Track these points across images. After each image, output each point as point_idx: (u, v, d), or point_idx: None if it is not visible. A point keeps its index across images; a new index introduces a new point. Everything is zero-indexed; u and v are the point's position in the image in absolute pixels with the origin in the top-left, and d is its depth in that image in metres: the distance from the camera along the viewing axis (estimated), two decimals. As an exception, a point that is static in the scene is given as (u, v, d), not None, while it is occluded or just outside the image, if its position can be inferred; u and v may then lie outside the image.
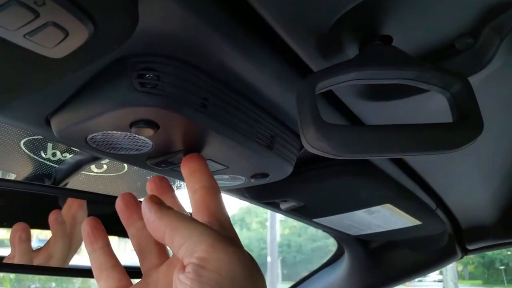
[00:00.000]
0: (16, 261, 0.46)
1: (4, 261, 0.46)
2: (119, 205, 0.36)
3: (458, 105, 0.29)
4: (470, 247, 0.76)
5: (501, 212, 0.76)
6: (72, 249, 0.51)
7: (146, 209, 0.31)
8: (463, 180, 0.60)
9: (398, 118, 0.40)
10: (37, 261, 0.48)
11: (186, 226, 0.29)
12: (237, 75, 0.32)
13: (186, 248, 0.28)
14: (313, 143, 0.27)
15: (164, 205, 0.32)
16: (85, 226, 0.36)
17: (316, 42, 0.30)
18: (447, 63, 0.32)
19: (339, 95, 0.39)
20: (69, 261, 0.49)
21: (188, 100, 0.29)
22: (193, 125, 0.31)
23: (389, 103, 0.38)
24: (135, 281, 0.38)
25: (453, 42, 0.31)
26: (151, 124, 0.30)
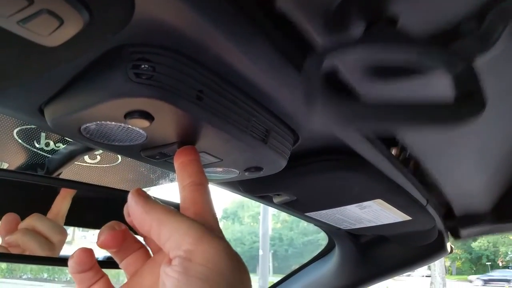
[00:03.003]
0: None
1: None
2: (107, 241, 0.34)
3: (461, 85, 0.28)
4: (462, 233, 0.76)
5: (494, 199, 0.76)
6: (56, 246, 0.51)
7: (133, 203, 0.32)
8: (458, 167, 0.59)
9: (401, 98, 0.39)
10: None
11: (173, 220, 0.29)
12: (233, 68, 0.32)
13: (173, 241, 0.28)
14: (318, 117, 0.27)
15: (151, 198, 0.32)
16: (79, 264, 0.33)
17: (322, 20, 0.29)
18: (451, 45, 0.32)
19: (343, 73, 0.38)
20: (58, 253, 0.49)
21: (184, 92, 0.29)
22: (188, 117, 0.31)
23: (392, 84, 0.38)
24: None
25: (458, 25, 0.31)
26: (146, 115, 0.30)
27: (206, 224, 0.31)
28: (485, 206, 0.78)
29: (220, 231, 0.31)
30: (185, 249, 0.27)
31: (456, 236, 0.76)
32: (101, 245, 0.33)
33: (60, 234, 0.51)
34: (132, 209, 0.31)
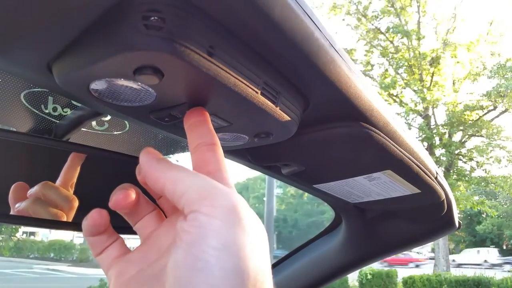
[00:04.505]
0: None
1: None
2: (119, 200, 0.33)
3: None
4: None
5: None
6: (66, 214, 0.51)
7: (145, 162, 0.32)
8: None
9: None
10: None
11: (187, 177, 0.30)
12: (245, 21, 0.31)
13: (187, 197, 0.28)
14: None
15: (163, 157, 0.32)
16: (93, 226, 0.34)
17: None
18: None
19: None
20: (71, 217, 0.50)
21: (194, 46, 0.29)
22: (198, 74, 0.30)
23: None
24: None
25: None
26: (155, 71, 0.29)
27: (219, 181, 0.31)
28: None
29: (233, 188, 0.31)
30: (200, 204, 0.27)
31: None
32: (114, 205, 0.33)
33: (70, 202, 0.51)
34: (145, 168, 0.31)
